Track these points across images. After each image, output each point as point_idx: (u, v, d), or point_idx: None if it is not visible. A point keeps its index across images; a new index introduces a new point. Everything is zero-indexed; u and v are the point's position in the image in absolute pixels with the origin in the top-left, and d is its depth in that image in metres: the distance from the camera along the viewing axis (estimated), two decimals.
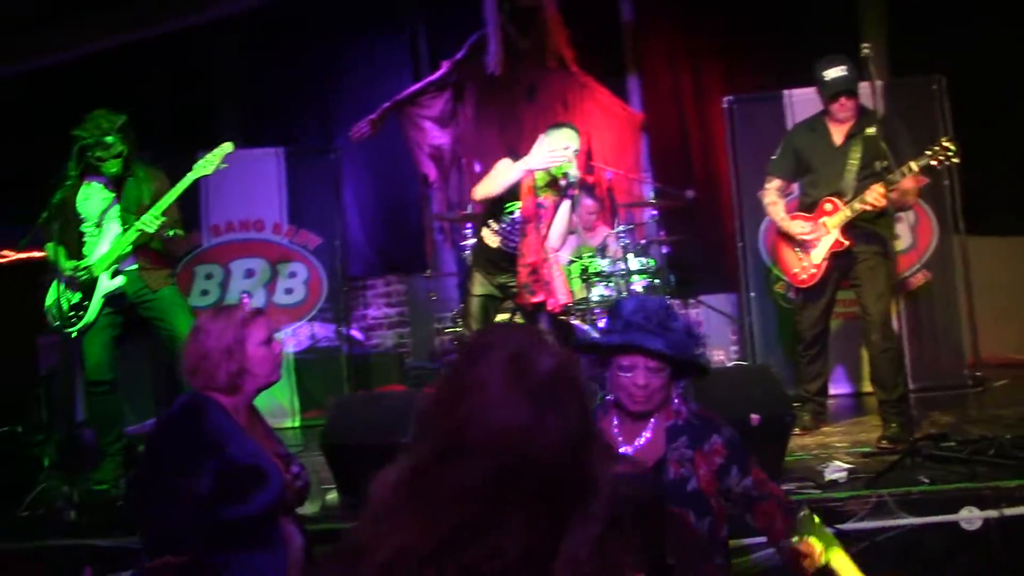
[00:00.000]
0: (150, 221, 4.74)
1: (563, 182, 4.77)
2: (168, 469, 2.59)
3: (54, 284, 4.92)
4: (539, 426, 1.32)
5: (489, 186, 4.88)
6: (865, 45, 4.48)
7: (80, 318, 4.81)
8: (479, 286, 5.00)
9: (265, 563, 2.60)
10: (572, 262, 6.23)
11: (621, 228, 6.31)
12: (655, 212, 6.80)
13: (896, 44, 7.20)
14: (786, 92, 6.40)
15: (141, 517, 2.67)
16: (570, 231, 5.63)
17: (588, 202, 6.55)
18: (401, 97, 7.61)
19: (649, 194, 7.30)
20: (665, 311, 2.51)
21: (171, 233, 4.91)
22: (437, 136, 7.70)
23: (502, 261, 4.92)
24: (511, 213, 4.86)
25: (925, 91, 6.33)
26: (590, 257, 6.12)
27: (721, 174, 7.13)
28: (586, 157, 7.35)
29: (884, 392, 4.75)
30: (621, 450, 2.51)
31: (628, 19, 7.85)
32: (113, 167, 4.86)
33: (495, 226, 4.94)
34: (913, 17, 7.08)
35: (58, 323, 4.86)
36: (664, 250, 6.76)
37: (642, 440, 2.54)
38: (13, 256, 5.28)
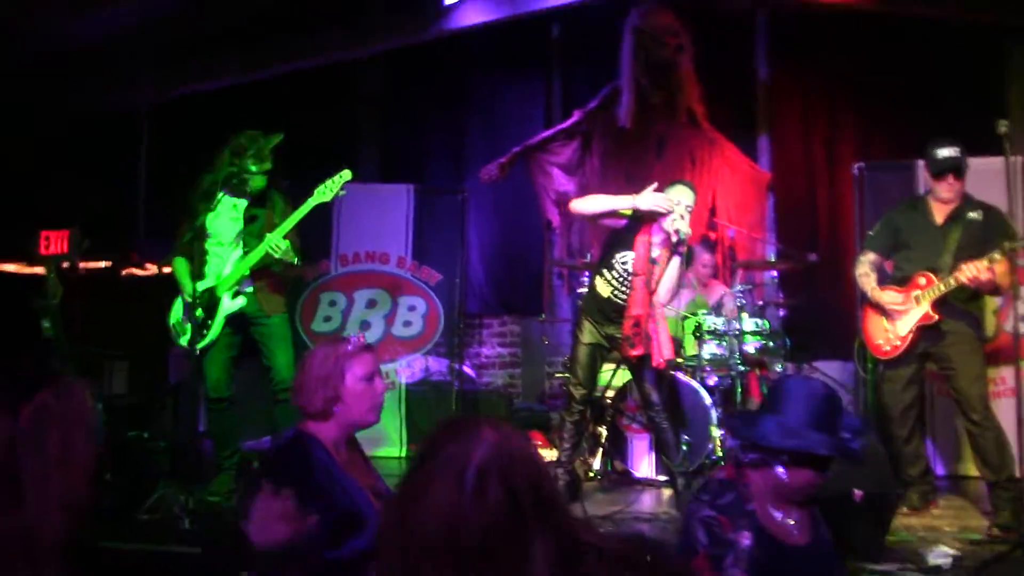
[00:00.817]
0: (276, 244, 4.98)
1: (674, 238, 4.82)
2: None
3: (178, 301, 5.22)
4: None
5: (588, 203, 5.02)
6: (1003, 121, 4.43)
7: (203, 336, 5.09)
8: (588, 334, 5.07)
9: None
10: (686, 318, 6.23)
11: (739, 287, 6.28)
12: (775, 274, 6.74)
13: None
14: (919, 162, 6.26)
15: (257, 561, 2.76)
16: (683, 286, 5.66)
17: (705, 256, 6.56)
18: (531, 143, 7.79)
19: (771, 255, 7.23)
20: (838, 408, 2.50)
21: (294, 260, 5.14)
22: (563, 183, 7.82)
23: (612, 312, 4.98)
24: (624, 264, 4.93)
25: None
26: (704, 314, 6.11)
27: (847, 240, 7.01)
28: (710, 214, 7.36)
29: (992, 472, 4.62)
30: (789, 525, 2.49)
31: (763, 78, 7.83)
32: (261, 182, 5.13)
33: (608, 275, 5.01)
34: None
35: (181, 340, 5.16)
36: (781, 313, 6.68)
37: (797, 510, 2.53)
38: (154, 269, 5.62)
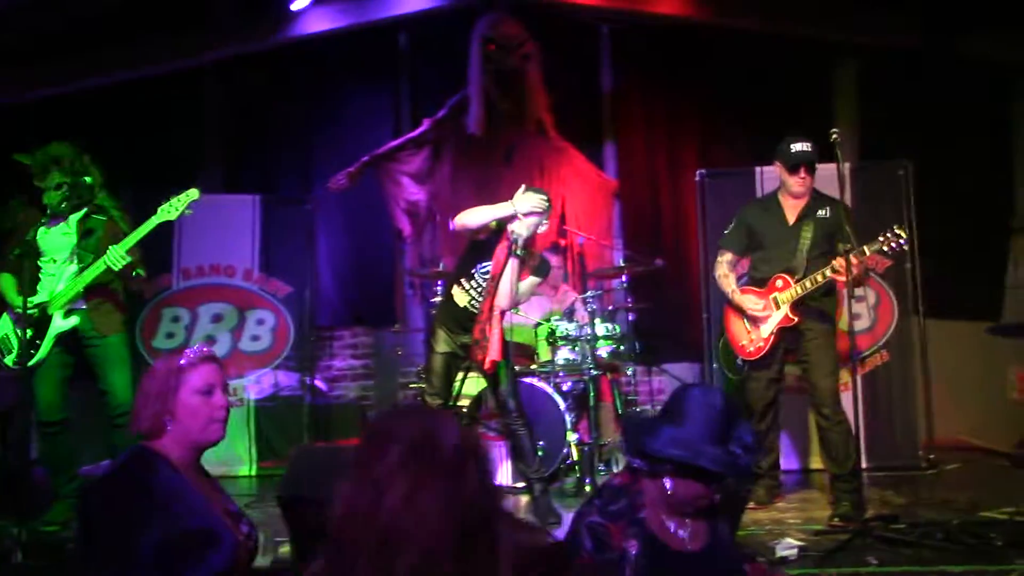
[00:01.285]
0: (116, 259, 4.74)
1: (510, 237, 4.84)
2: (109, 530, 2.44)
3: (4, 317, 4.91)
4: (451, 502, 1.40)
5: (472, 216, 4.91)
6: (834, 130, 4.65)
7: (31, 355, 4.79)
8: (443, 344, 5.03)
9: None
10: (539, 324, 6.29)
11: (590, 293, 6.38)
12: (624, 279, 6.88)
13: (866, 128, 7.41)
14: (757, 169, 6.55)
15: None
16: (536, 293, 5.68)
17: (554, 259, 6.63)
18: (380, 151, 7.70)
19: (619, 260, 7.38)
20: (734, 421, 2.48)
21: (135, 273, 4.90)
22: (414, 192, 7.77)
23: (467, 321, 4.95)
24: (485, 274, 4.92)
25: (891, 175, 6.51)
26: (557, 320, 6.18)
27: (690, 245, 7.25)
28: (559, 221, 7.45)
29: (836, 466, 4.81)
30: (680, 534, 2.49)
31: (607, 88, 7.99)
32: (54, 198, 4.87)
33: (466, 285, 4.98)
34: (882, 103, 7.29)
35: (7, 359, 4.84)
36: (630, 317, 6.83)
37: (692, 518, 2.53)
38: None
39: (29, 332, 4.77)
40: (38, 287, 4.89)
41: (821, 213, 4.93)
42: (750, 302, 5.01)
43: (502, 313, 4.89)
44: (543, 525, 4.77)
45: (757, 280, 5.10)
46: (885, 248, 4.63)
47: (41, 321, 4.82)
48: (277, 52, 7.77)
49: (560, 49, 7.66)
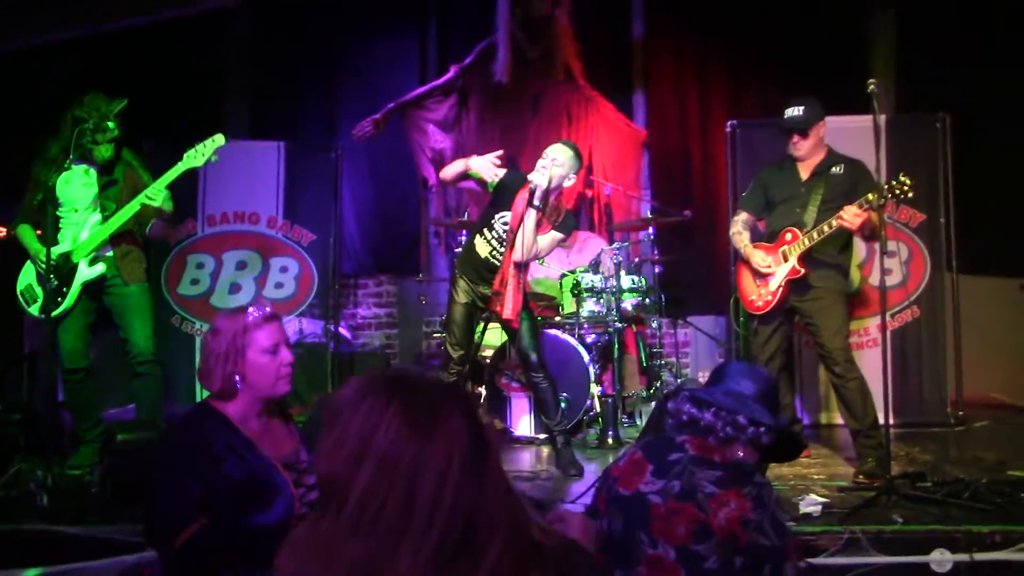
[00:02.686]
0: (155, 193, 4.70)
1: (529, 187, 4.78)
2: (166, 475, 2.59)
3: (27, 267, 4.90)
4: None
5: (447, 170, 5.05)
6: (871, 80, 4.51)
7: (58, 304, 4.79)
8: (463, 294, 5.00)
9: None
10: (564, 276, 6.23)
11: (616, 245, 6.31)
12: (651, 231, 6.79)
13: (903, 80, 7.23)
14: None
15: (145, 517, 2.70)
16: (562, 245, 5.60)
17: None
18: (406, 99, 7.62)
19: (646, 212, 7.29)
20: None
21: (169, 207, 4.85)
22: (439, 140, 7.70)
23: (487, 272, 4.91)
24: (504, 223, 4.86)
25: (928, 128, 6.36)
26: (582, 272, 6.12)
27: (719, 197, 7.15)
28: (586, 171, 7.36)
29: (856, 421, 4.75)
30: None
31: (638, 36, 7.84)
32: (107, 152, 4.83)
33: (488, 235, 4.93)
34: (922, 54, 7.10)
35: (33, 307, 4.85)
36: (657, 269, 6.75)
37: None
38: (2, 232, 5.25)
39: (54, 281, 4.76)
40: (59, 236, 4.86)
41: (835, 170, 4.85)
42: (758, 257, 4.95)
43: (520, 266, 4.81)
44: (565, 476, 4.77)
45: (768, 236, 5.04)
46: (889, 196, 4.49)
47: (66, 270, 4.81)
48: None
49: None
